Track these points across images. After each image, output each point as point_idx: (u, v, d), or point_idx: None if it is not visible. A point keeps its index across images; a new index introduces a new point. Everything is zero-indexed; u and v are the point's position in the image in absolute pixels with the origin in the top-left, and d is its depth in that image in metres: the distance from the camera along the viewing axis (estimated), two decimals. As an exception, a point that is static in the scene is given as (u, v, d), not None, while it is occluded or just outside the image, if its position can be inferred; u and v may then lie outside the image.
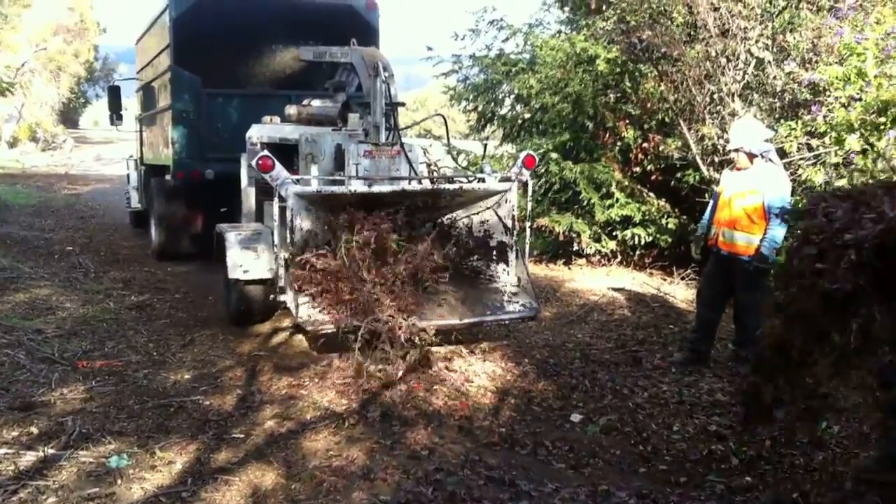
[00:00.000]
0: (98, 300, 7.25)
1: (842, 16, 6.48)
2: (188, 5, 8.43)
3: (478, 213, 5.84)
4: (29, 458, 3.87)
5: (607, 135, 9.50)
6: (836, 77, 5.99)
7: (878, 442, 3.80)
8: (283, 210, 5.20)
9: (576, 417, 4.73)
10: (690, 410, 4.85)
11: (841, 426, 4.39)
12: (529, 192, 5.96)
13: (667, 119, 8.75)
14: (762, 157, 5.33)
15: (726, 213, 5.45)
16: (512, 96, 11.11)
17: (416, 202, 5.52)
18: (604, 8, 9.84)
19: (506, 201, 5.79)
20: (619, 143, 9.36)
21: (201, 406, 4.72)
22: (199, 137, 8.69)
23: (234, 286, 6.18)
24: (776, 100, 7.35)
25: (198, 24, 8.31)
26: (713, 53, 7.56)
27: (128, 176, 12.62)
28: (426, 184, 5.94)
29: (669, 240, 8.79)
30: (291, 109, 7.27)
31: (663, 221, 8.75)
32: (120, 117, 11.92)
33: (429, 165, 6.84)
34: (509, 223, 5.81)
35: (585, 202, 9.02)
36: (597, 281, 8.73)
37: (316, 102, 7.25)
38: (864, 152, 5.70)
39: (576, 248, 9.45)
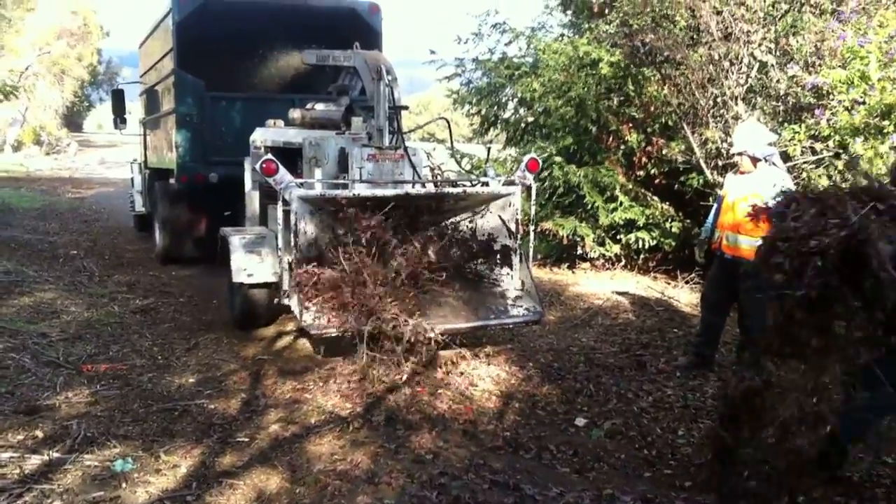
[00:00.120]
0: (102, 304, 7.26)
1: (845, 19, 6.49)
2: (191, 9, 8.45)
3: (481, 217, 5.84)
4: (34, 461, 3.87)
5: (611, 138, 9.50)
6: (840, 80, 5.99)
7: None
8: (286, 214, 5.20)
9: (580, 421, 4.73)
10: (695, 415, 4.85)
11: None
12: (533, 196, 5.96)
13: (670, 123, 8.74)
14: (765, 160, 5.33)
15: (730, 216, 5.45)
16: (515, 100, 11.12)
17: (420, 206, 5.53)
18: (606, 11, 9.84)
19: (509, 205, 5.79)
20: (622, 147, 9.36)
21: (206, 410, 4.72)
22: (202, 141, 8.71)
23: (238, 290, 6.19)
24: (780, 103, 7.35)
25: (201, 27, 8.33)
26: (716, 57, 7.56)
27: (132, 179, 12.66)
28: (430, 187, 5.95)
29: (673, 243, 8.79)
30: (295, 113, 7.29)
31: (667, 225, 8.74)
32: (124, 121, 11.96)
33: (432, 169, 6.84)
34: (513, 227, 5.80)
35: (589, 206, 9.02)
36: (601, 285, 8.73)
37: (319, 106, 7.26)
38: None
39: (580, 251, 9.45)
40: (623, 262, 9.42)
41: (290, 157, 6.24)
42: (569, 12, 11.57)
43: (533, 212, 6.12)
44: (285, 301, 5.34)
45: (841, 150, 6.06)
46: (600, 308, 7.59)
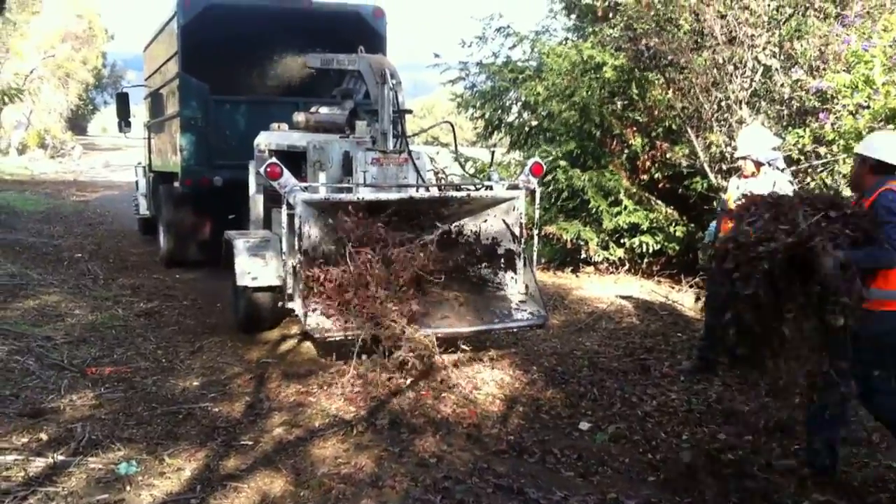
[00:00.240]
0: (107, 307, 7.28)
1: (849, 23, 6.49)
2: (196, 13, 8.46)
3: (485, 221, 5.84)
4: (38, 464, 3.88)
5: (615, 142, 9.49)
6: (844, 85, 5.99)
7: None
8: (291, 217, 5.21)
9: (584, 426, 4.72)
10: (699, 419, 4.84)
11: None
12: (537, 200, 5.96)
13: (674, 126, 8.74)
14: (769, 164, 5.33)
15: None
16: (519, 104, 11.13)
17: (424, 210, 5.53)
18: (610, 15, 9.86)
19: (513, 209, 5.79)
20: (626, 151, 9.35)
21: (210, 413, 4.72)
22: (207, 144, 8.72)
23: (242, 293, 6.20)
24: (784, 107, 7.35)
25: (206, 31, 8.34)
26: (720, 61, 7.56)
27: (136, 183, 12.68)
28: (434, 191, 5.95)
29: (677, 247, 8.77)
30: (299, 117, 7.30)
31: (671, 229, 8.73)
32: (128, 124, 11.98)
33: (436, 173, 6.85)
34: (517, 231, 5.80)
35: (593, 210, 9.01)
36: (605, 289, 8.72)
37: (324, 110, 7.27)
38: None
39: (584, 255, 9.43)
40: (627, 266, 9.40)
41: (295, 160, 6.25)
42: (573, 16, 11.59)
43: (537, 216, 6.13)
44: (289, 304, 5.34)
45: (845, 155, 6.05)
46: (604, 312, 7.58)
